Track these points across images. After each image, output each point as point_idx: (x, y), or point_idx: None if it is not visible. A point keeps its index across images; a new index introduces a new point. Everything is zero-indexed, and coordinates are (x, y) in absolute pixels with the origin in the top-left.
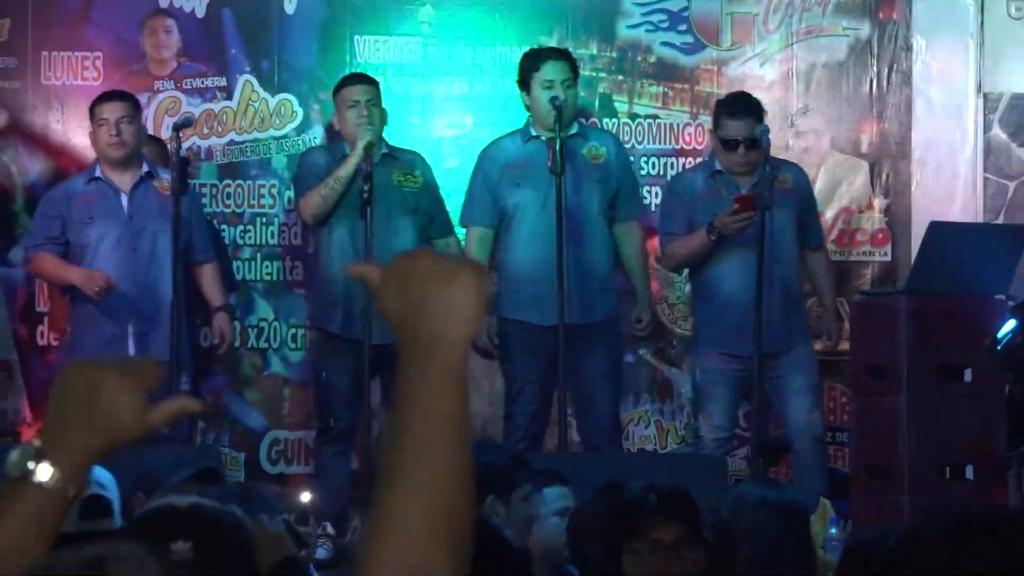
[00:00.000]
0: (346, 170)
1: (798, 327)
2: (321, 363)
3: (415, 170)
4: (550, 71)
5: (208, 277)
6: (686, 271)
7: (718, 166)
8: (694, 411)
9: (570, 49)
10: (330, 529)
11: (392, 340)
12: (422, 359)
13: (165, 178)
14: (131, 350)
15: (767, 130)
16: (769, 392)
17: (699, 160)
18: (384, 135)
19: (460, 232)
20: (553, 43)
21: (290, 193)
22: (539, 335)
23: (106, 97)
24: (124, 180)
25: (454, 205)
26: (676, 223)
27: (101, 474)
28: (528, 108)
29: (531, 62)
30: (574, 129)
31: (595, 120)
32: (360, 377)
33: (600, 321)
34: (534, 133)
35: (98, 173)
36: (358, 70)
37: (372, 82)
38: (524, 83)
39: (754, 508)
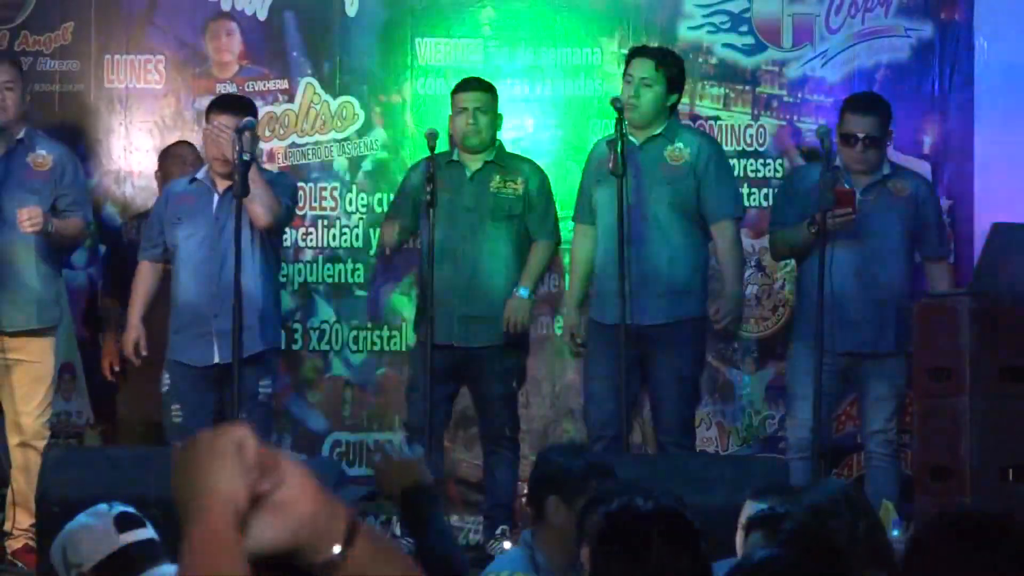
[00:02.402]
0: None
1: (892, 334)
2: (414, 363)
3: (518, 177)
4: (631, 67)
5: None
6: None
7: (837, 162)
8: (787, 410)
9: None
10: (396, 529)
11: (481, 344)
12: (192, 524)
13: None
14: (215, 350)
15: (829, 131)
16: (850, 392)
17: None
18: (500, 140)
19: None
20: (615, 45)
21: (351, 195)
22: (613, 334)
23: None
24: (222, 182)
25: None
26: (784, 214)
27: None
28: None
29: (626, 58)
30: (658, 130)
31: (702, 121)
32: (451, 380)
33: (672, 324)
34: (625, 131)
35: (200, 175)
36: (419, 72)
37: (486, 88)
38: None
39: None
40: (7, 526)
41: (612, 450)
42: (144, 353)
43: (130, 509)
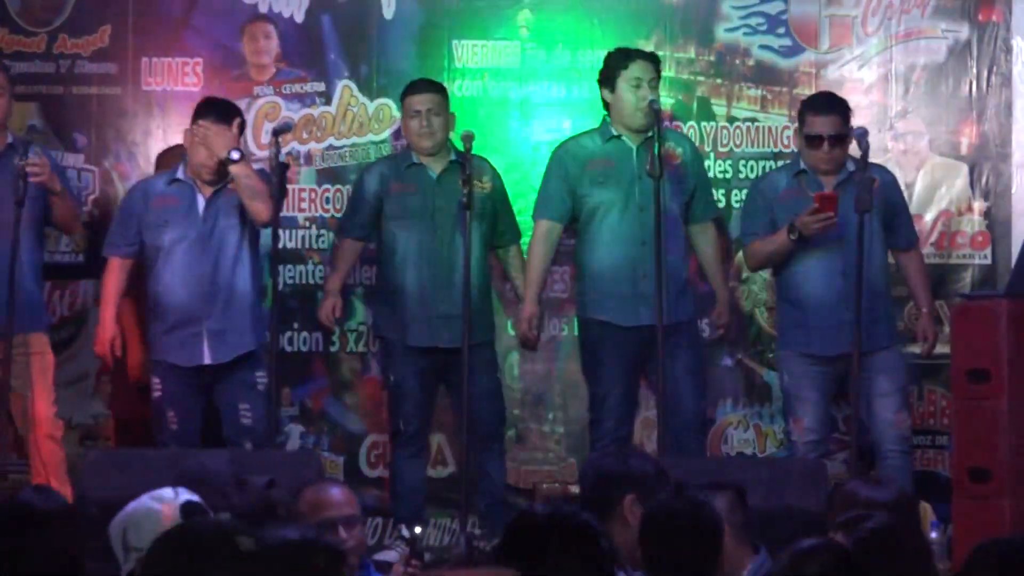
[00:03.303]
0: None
1: (884, 328)
2: (391, 368)
3: (483, 176)
4: (638, 70)
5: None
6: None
7: (802, 165)
8: (784, 415)
9: (668, 53)
10: (405, 532)
11: (457, 345)
12: None
13: None
14: (205, 350)
15: (866, 132)
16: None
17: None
18: (453, 141)
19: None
20: (651, 47)
21: None
22: (622, 336)
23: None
24: (205, 185)
25: None
26: (758, 223)
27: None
28: (608, 106)
29: (618, 60)
30: (650, 131)
31: (678, 123)
32: (428, 380)
33: (681, 322)
34: (615, 132)
35: (180, 175)
36: (456, 74)
37: (437, 89)
38: (608, 81)
39: None
40: None
41: None
42: (118, 354)
43: (195, 498)
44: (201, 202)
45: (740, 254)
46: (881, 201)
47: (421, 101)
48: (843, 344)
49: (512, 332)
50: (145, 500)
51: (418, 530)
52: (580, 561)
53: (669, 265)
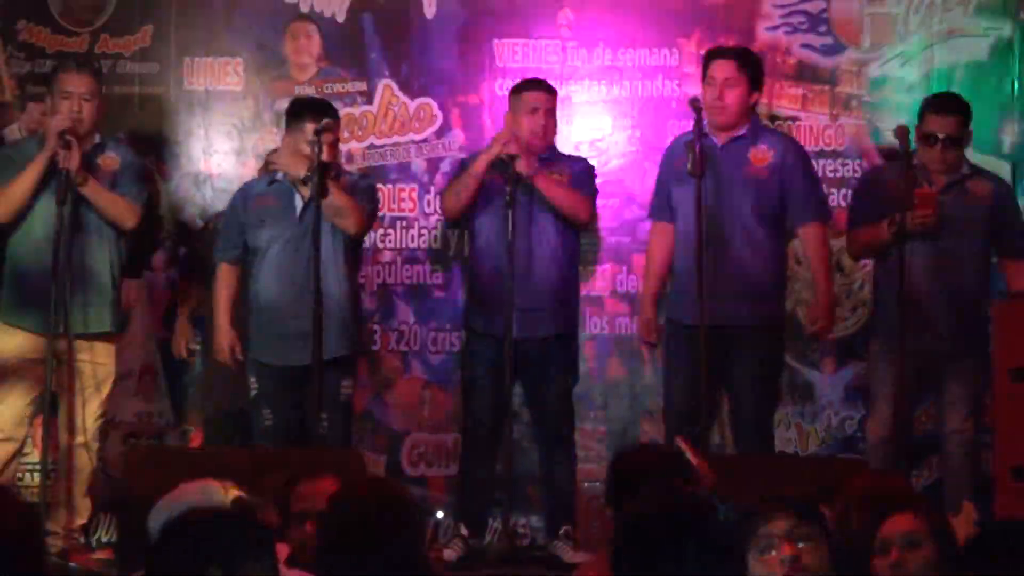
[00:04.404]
0: (477, 167)
1: (970, 335)
2: (467, 364)
3: (563, 170)
4: (712, 68)
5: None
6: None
7: (915, 161)
8: (869, 409)
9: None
10: (464, 530)
11: (537, 336)
12: None
13: (347, 178)
14: (295, 351)
15: (908, 131)
16: (929, 391)
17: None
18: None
19: None
20: (692, 46)
21: (429, 196)
22: (692, 335)
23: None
24: (304, 185)
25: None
26: (862, 212)
27: None
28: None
29: (704, 59)
30: (741, 131)
31: (780, 122)
32: (501, 376)
33: (751, 326)
34: (705, 131)
35: (280, 176)
36: (497, 73)
37: (547, 88)
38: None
39: None
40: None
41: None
42: (240, 357)
43: (243, 495)
44: (299, 203)
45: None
46: (990, 208)
47: (540, 99)
48: (927, 342)
49: None
50: (195, 494)
51: (440, 515)
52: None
53: (733, 267)
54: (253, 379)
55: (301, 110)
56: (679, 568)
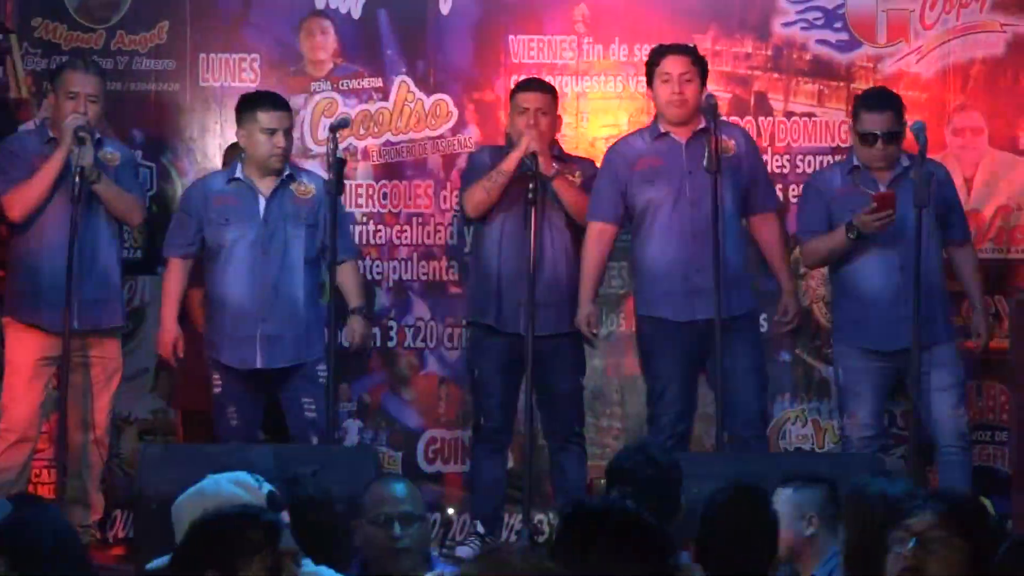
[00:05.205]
0: (508, 165)
1: (941, 323)
2: (476, 360)
3: (576, 171)
4: (667, 65)
5: (348, 276)
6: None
7: (856, 162)
8: (840, 411)
9: (725, 47)
10: (480, 528)
11: (546, 332)
12: None
13: (307, 182)
14: (258, 354)
15: (923, 127)
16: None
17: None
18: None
19: None
20: (708, 42)
21: (445, 193)
22: (677, 332)
23: (272, 104)
24: (264, 183)
25: None
26: (815, 221)
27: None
28: (655, 104)
29: (652, 57)
30: (701, 124)
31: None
32: (514, 376)
33: (739, 316)
34: (662, 130)
35: (238, 174)
36: (512, 69)
37: (546, 89)
38: (648, 78)
39: None
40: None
41: (680, 448)
42: (180, 355)
43: (274, 488)
44: (262, 203)
45: (796, 250)
46: (937, 196)
47: (530, 100)
48: (900, 339)
49: None
50: (225, 484)
51: (451, 511)
52: (633, 554)
53: (726, 258)
54: (216, 376)
55: (254, 101)
56: None
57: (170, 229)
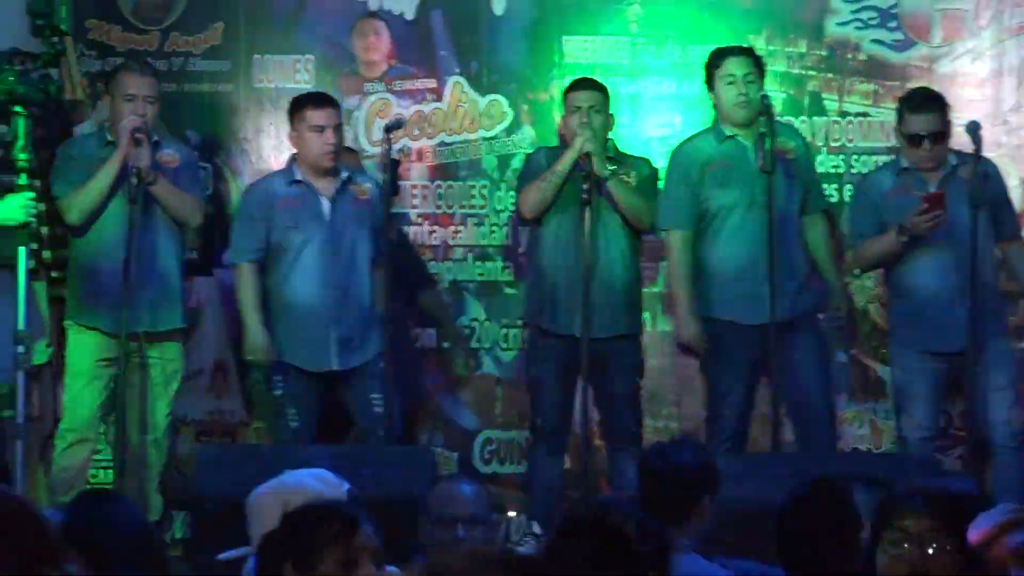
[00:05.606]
0: (562, 165)
1: (994, 322)
2: (532, 361)
3: (631, 172)
4: (731, 66)
5: (378, 283)
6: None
7: (905, 163)
8: (896, 412)
9: (779, 47)
10: (537, 528)
11: (602, 335)
12: None
13: (362, 183)
14: (333, 357)
15: (979, 126)
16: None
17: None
18: (612, 138)
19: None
20: (761, 42)
21: (500, 193)
22: (746, 334)
23: (322, 102)
24: (324, 184)
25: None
26: (865, 224)
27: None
28: (715, 107)
29: (713, 59)
30: (762, 127)
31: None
32: (570, 377)
33: (804, 315)
34: (728, 132)
35: (298, 176)
36: (566, 70)
37: (599, 88)
38: (709, 81)
39: None
40: None
41: (738, 450)
42: (273, 357)
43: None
44: (326, 205)
45: (849, 254)
46: (989, 193)
47: (583, 98)
48: (956, 339)
49: None
50: (308, 480)
51: (512, 514)
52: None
53: (792, 260)
54: (279, 378)
55: (302, 101)
56: None
57: (235, 233)
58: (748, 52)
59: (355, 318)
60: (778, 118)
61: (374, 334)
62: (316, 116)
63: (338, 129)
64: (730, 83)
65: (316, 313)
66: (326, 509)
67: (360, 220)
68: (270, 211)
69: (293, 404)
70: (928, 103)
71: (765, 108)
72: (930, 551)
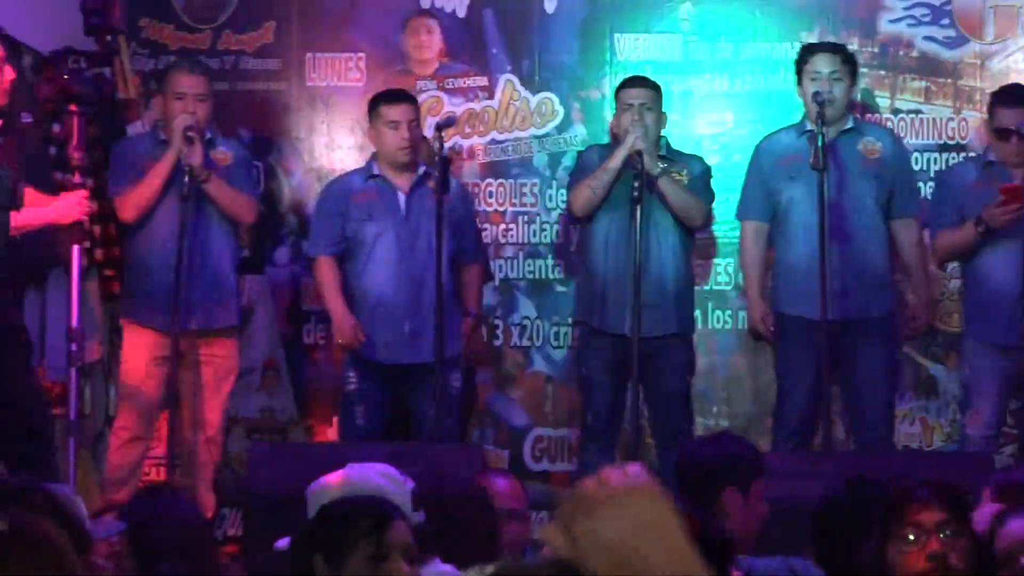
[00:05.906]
0: (614, 162)
1: None
2: (583, 360)
3: (683, 169)
4: (818, 63)
5: (472, 280)
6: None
7: (991, 157)
8: (961, 408)
9: None
10: None
11: (653, 334)
12: None
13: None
14: (406, 349)
15: None
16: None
17: (971, 153)
18: (666, 136)
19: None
20: (814, 39)
21: (551, 191)
22: (814, 330)
23: (396, 98)
24: (401, 179)
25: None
26: (945, 215)
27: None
28: (804, 103)
29: (800, 55)
30: (848, 124)
31: (877, 115)
32: (621, 375)
33: (877, 317)
34: (808, 127)
35: (376, 171)
36: (618, 68)
37: (651, 86)
38: (798, 77)
39: None
40: None
41: (803, 446)
42: (363, 339)
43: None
44: (402, 199)
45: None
46: None
47: (635, 95)
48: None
49: None
50: (372, 475)
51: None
52: None
53: (860, 259)
54: (352, 375)
55: (378, 97)
56: None
57: (314, 228)
58: (837, 49)
59: (429, 313)
60: (868, 119)
61: (452, 329)
62: (391, 112)
63: (412, 125)
64: (813, 79)
65: (390, 305)
66: (359, 504)
67: (434, 215)
68: (346, 205)
69: (362, 401)
70: (1019, 98)
71: (819, 105)
72: (948, 542)
